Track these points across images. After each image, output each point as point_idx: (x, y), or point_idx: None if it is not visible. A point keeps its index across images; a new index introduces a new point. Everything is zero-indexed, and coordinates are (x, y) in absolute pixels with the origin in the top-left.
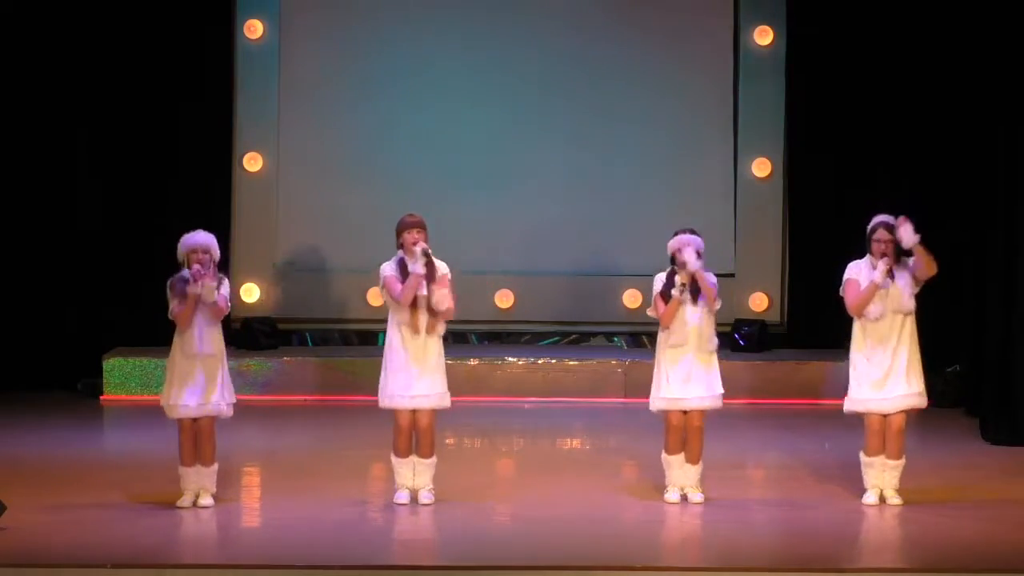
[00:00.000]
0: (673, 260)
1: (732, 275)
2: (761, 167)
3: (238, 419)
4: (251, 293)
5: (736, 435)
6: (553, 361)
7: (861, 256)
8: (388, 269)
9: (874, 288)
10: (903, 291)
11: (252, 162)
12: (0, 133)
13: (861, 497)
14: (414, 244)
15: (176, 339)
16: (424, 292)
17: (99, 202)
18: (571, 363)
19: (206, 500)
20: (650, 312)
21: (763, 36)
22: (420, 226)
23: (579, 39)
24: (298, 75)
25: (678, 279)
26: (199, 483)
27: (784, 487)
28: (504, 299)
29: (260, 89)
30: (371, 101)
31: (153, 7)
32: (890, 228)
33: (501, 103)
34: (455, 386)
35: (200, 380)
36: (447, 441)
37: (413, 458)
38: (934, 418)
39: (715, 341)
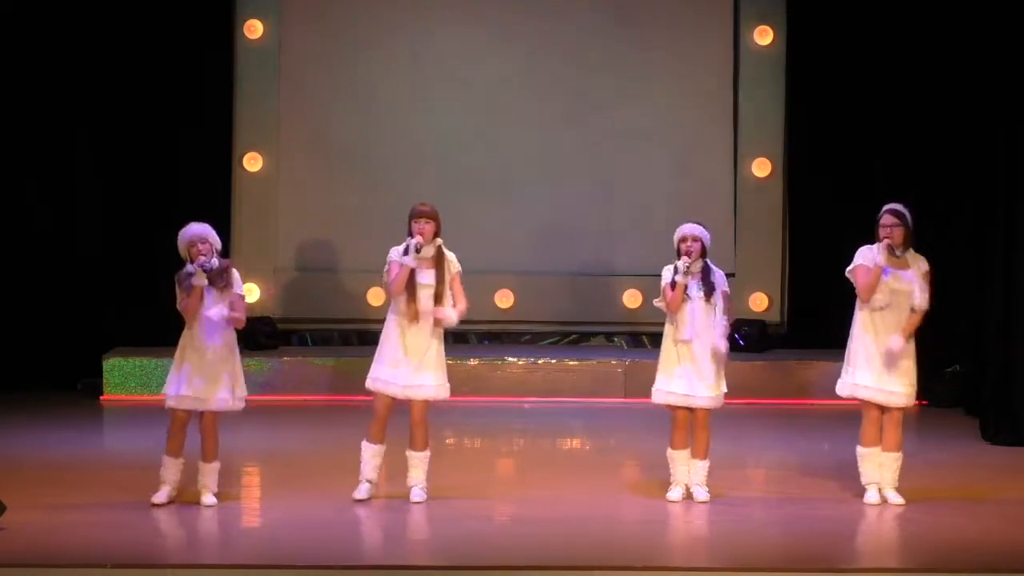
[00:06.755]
0: (679, 252)
1: (732, 275)
2: (761, 167)
3: (238, 419)
4: (251, 293)
5: (736, 435)
6: (553, 361)
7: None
8: (394, 253)
9: (877, 270)
10: (912, 286)
11: (252, 162)
12: (1, 132)
13: (862, 496)
14: (415, 235)
15: (185, 332)
16: (427, 307)
17: (99, 202)
18: (571, 363)
19: (208, 499)
20: (657, 303)
21: (763, 36)
22: (428, 216)
23: (580, 39)
24: (298, 75)
25: (680, 263)
26: (202, 481)
27: (784, 487)
28: (504, 299)
29: (260, 89)
30: (371, 101)
31: (153, 7)
32: (896, 214)
33: (501, 103)
34: (455, 386)
35: (206, 372)
36: (447, 441)
37: (381, 448)
38: (934, 418)
39: (723, 342)
